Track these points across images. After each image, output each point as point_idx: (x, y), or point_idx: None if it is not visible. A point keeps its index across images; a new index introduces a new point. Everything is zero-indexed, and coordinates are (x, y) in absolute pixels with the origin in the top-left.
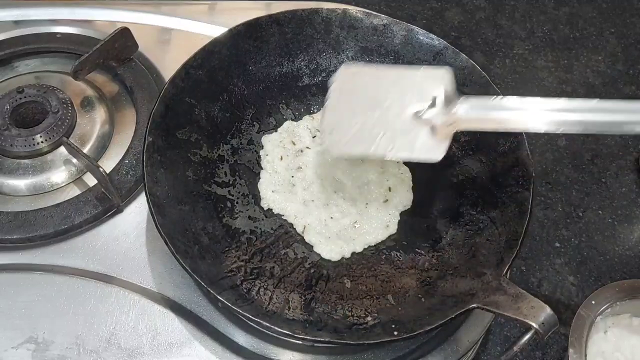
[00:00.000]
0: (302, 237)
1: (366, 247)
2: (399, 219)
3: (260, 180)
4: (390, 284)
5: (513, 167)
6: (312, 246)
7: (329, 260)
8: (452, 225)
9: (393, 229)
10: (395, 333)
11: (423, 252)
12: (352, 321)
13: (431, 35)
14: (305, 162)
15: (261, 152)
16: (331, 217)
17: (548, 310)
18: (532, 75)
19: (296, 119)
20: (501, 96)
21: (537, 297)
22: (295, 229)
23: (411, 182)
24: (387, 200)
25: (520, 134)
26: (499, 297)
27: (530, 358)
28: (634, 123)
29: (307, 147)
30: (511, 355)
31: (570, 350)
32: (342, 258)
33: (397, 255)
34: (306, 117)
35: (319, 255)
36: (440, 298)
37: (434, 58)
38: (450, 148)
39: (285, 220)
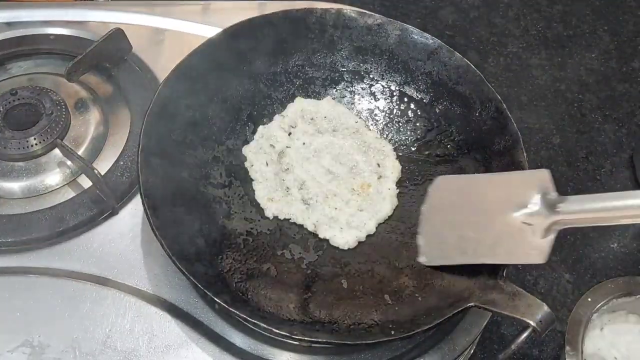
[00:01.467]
0: (300, 237)
1: (378, 225)
2: (397, 190)
3: (255, 192)
4: (387, 283)
5: (508, 165)
6: (327, 240)
7: (326, 261)
8: None
9: (395, 201)
10: (393, 333)
11: None
12: (349, 321)
13: (425, 34)
14: (289, 162)
15: (246, 164)
16: (335, 209)
17: (545, 308)
18: (526, 73)
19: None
20: (601, 194)
21: (534, 295)
22: (307, 229)
23: (394, 152)
24: (380, 176)
25: (516, 132)
26: (496, 295)
27: (527, 356)
28: None
29: (287, 147)
30: (509, 353)
31: (567, 348)
32: (348, 248)
33: (393, 253)
34: (277, 117)
35: (315, 255)
36: (437, 297)
37: (429, 57)
38: (445, 147)
39: (294, 223)
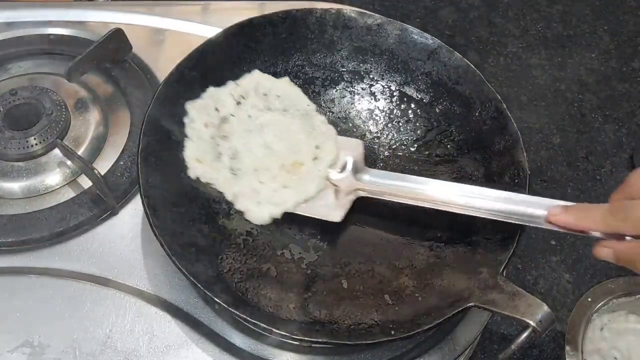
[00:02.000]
0: (300, 237)
1: (297, 205)
2: (328, 174)
3: (185, 149)
4: (387, 283)
5: (508, 165)
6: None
7: (326, 261)
8: (447, 225)
9: (322, 184)
10: (393, 333)
11: (419, 251)
12: (349, 321)
13: (425, 34)
14: (230, 130)
15: (185, 119)
16: (260, 182)
17: (545, 308)
18: (525, 73)
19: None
20: (402, 174)
21: (534, 295)
22: (228, 201)
23: (337, 136)
24: (316, 157)
25: (516, 132)
26: (496, 295)
27: (527, 356)
28: (532, 216)
29: (232, 115)
30: (509, 353)
31: (567, 348)
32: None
33: (393, 253)
34: (230, 83)
35: (315, 255)
36: (437, 297)
37: (428, 57)
38: (445, 146)
39: (215, 189)
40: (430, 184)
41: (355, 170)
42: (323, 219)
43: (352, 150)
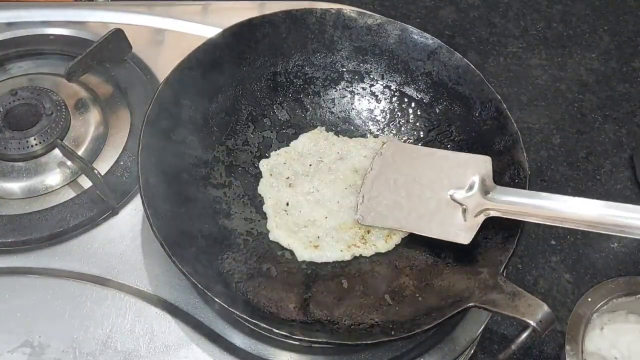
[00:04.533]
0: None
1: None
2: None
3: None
4: (387, 283)
5: (509, 165)
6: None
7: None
8: None
9: (397, 239)
10: (393, 333)
11: (419, 252)
12: (350, 321)
13: (425, 34)
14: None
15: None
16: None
17: (545, 308)
18: (525, 73)
19: (291, 119)
20: (536, 192)
21: (534, 295)
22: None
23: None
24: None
25: (516, 132)
26: (496, 295)
27: (527, 356)
28: None
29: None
30: (509, 353)
31: (567, 348)
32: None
33: (393, 253)
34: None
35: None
36: (437, 297)
37: (428, 57)
38: (445, 147)
39: None
40: (570, 202)
41: (484, 189)
42: (450, 240)
43: (479, 167)
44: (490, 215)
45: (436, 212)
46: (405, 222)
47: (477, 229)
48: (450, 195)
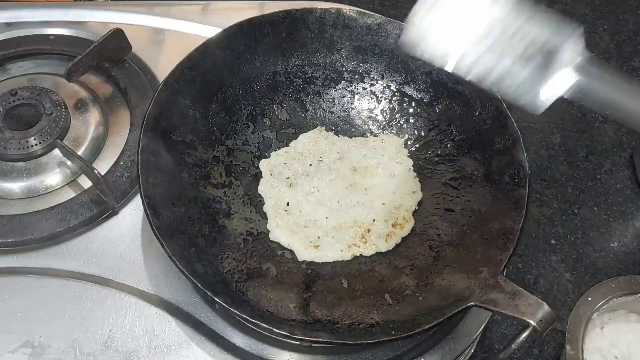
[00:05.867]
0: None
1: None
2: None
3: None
4: (387, 283)
5: (509, 165)
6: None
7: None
8: (448, 224)
9: (397, 239)
10: (393, 333)
11: (420, 251)
12: (350, 321)
13: None
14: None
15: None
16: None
17: (546, 307)
18: None
19: (291, 119)
20: None
21: (534, 294)
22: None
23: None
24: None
25: (516, 132)
26: (497, 295)
27: (528, 355)
28: None
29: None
30: (510, 353)
31: (568, 347)
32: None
33: (393, 253)
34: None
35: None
36: (437, 297)
37: None
38: (445, 146)
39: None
40: None
41: None
42: None
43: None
44: None
45: None
46: None
47: None
48: None
